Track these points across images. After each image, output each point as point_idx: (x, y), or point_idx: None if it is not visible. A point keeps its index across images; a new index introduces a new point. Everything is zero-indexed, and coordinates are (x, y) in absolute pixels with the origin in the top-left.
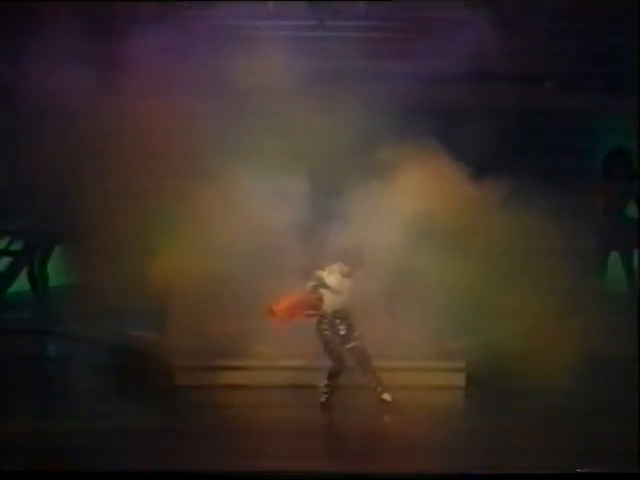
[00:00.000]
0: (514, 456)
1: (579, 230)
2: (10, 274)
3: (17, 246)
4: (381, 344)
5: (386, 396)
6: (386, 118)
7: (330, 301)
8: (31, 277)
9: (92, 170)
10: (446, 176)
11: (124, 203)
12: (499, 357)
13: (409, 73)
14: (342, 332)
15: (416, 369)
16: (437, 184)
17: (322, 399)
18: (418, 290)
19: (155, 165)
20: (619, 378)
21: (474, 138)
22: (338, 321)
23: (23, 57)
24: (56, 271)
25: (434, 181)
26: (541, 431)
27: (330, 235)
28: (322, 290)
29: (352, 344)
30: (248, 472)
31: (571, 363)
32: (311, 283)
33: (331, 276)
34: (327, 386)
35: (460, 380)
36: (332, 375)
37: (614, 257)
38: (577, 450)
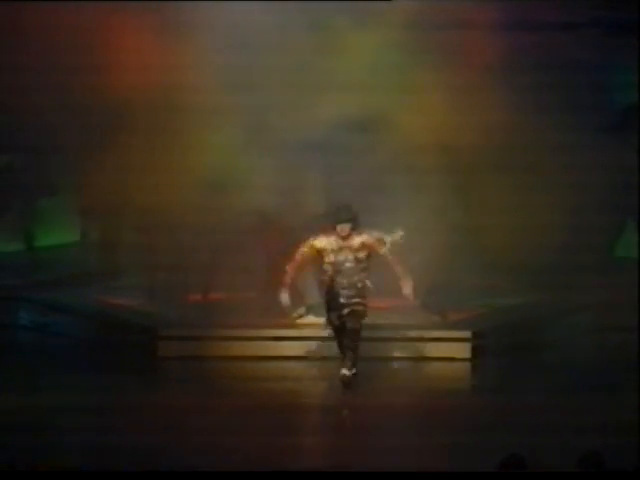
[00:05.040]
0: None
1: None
2: None
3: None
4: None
5: (344, 371)
6: None
7: (330, 267)
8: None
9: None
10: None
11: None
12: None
13: None
14: (342, 300)
15: (419, 339)
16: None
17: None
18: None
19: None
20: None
21: None
22: (343, 287)
23: None
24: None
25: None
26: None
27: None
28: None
29: (349, 309)
30: (247, 472)
31: (582, 334)
32: (302, 249)
33: (324, 240)
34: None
35: (466, 351)
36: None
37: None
38: (586, 427)
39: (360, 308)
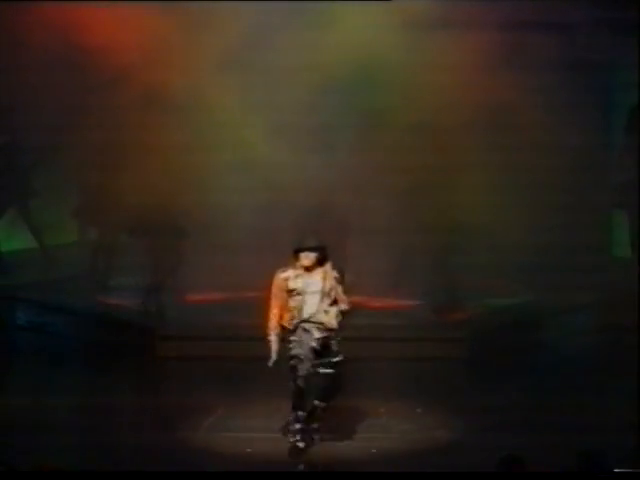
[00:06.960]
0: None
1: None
2: None
3: None
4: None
5: (300, 444)
6: None
7: (299, 304)
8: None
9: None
10: None
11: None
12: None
13: None
14: (313, 344)
15: (415, 339)
16: None
17: (294, 442)
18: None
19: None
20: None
21: None
22: (310, 328)
23: None
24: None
25: None
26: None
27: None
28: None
29: (322, 369)
30: (247, 472)
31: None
32: (273, 290)
33: (289, 271)
34: (297, 428)
35: (461, 351)
36: (295, 407)
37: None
38: (584, 426)
39: (328, 371)
